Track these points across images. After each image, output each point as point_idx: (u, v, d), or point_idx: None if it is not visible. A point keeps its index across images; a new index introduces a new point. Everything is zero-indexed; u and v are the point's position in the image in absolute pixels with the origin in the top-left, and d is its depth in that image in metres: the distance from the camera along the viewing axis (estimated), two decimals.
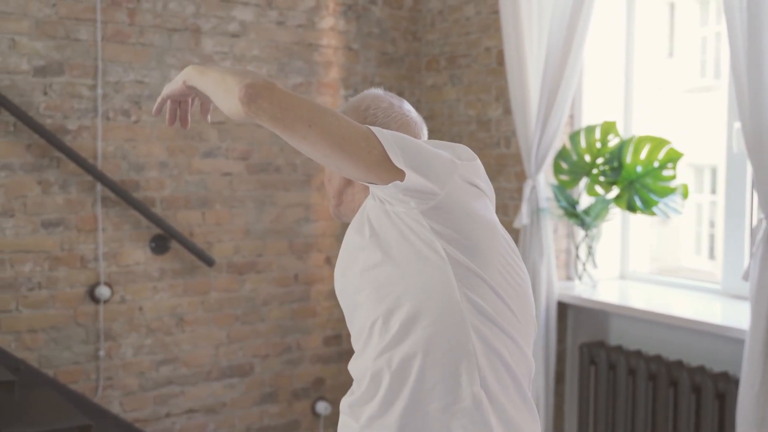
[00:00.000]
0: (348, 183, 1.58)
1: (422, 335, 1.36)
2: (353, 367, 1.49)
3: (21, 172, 3.22)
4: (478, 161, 1.44)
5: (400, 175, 1.31)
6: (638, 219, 3.71)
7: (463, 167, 1.38)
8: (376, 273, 1.41)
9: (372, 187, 1.38)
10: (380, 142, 1.32)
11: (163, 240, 3.52)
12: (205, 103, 1.55)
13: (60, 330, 3.33)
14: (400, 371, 1.38)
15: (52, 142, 3.20)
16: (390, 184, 1.32)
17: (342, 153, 1.31)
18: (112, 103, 3.39)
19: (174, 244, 3.55)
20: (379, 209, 1.41)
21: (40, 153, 3.25)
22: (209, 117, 1.58)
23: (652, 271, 5.89)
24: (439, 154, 1.36)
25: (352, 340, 1.53)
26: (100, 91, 3.35)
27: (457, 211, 1.36)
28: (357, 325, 1.49)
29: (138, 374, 3.51)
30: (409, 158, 1.31)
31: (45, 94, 3.25)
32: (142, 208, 3.40)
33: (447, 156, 1.37)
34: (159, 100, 1.55)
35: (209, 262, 3.56)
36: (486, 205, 1.43)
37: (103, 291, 3.38)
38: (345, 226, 3.26)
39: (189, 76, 1.46)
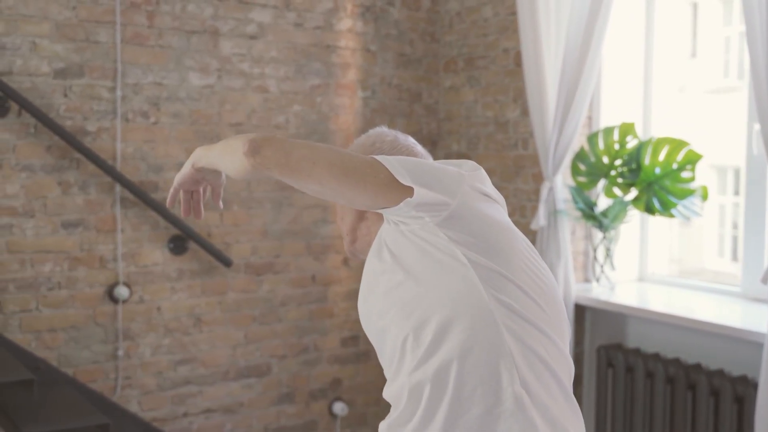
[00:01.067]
0: (360, 219, 1.60)
1: (456, 342, 1.36)
2: (388, 392, 1.49)
3: (41, 173, 3.26)
4: (483, 171, 1.47)
5: (409, 193, 1.34)
6: (658, 221, 3.68)
7: (470, 177, 1.41)
8: (400, 292, 1.41)
9: (385, 212, 1.41)
10: (384, 167, 1.35)
11: (181, 240, 3.54)
12: (216, 188, 1.60)
13: (79, 329, 3.36)
14: (437, 380, 1.37)
15: (72, 143, 3.23)
16: (401, 203, 1.35)
17: (349, 183, 1.35)
18: (131, 105, 3.42)
19: (192, 245, 3.57)
20: (395, 231, 1.43)
21: (60, 154, 3.29)
22: (221, 203, 1.64)
23: (674, 273, 5.85)
24: (445, 168, 1.40)
25: (384, 368, 1.52)
26: (119, 92, 3.38)
27: (470, 217, 1.38)
28: (388, 350, 1.48)
29: (156, 374, 3.54)
30: (414, 175, 1.35)
31: (65, 96, 3.29)
32: (160, 208, 3.42)
33: (453, 169, 1.41)
34: (172, 191, 1.58)
35: (227, 262, 3.58)
36: (498, 209, 1.46)
37: (122, 291, 3.41)
38: None
39: (197, 157, 1.51)
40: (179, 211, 3.50)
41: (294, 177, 1.37)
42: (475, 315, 1.35)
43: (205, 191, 1.61)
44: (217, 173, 1.55)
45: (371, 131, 1.66)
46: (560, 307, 1.47)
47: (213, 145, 1.48)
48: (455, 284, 1.36)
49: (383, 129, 1.66)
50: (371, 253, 1.50)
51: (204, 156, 1.49)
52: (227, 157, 1.42)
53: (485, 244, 1.37)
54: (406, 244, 1.41)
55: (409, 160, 1.38)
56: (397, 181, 1.34)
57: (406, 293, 1.41)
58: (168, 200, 1.60)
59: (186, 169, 1.54)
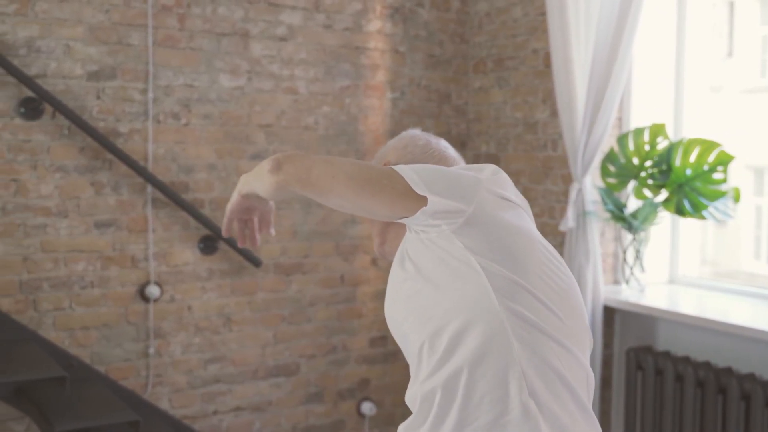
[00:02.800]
0: (388, 223, 1.62)
1: (467, 350, 1.36)
2: (407, 396, 1.51)
3: (75, 174, 3.31)
4: (503, 174, 1.48)
5: (424, 202, 1.36)
6: (691, 222, 3.64)
7: (489, 182, 1.41)
8: (420, 299, 1.43)
9: (405, 222, 1.43)
10: (402, 177, 1.38)
11: (211, 241, 3.58)
12: (265, 215, 1.65)
13: (111, 328, 3.41)
14: (448, 387, 1.38)
15: (104, 144, 3.28)
16: (418, 213, 1.37)
17: (368, 195, 1.38)
18: (163, 107, 3.47)
19: (222, 245, 3.61)
20: (416, 240, 1.45)
21: (93, 155, 3.34)
22: (272, 230, 1.68)
23: (709, 274, 5.77)
24: (461, 174, 1.41)
25: (410, 370, 1.54)
26: (151, 94, 3.43)
27: (488, 223, 1.37)
28: (409, 354, 1.50)
29: (186, 372, 3.58)
30: (429, 183, 1.37)
31: (98, 98, 3.34)
32: (191, 209, 3.47)
33: (470, 174, 1.42)
34: (225, 221, 1.63)
35: (256, 262, 3.61)
36: (520, 214, 1.44)
37: (153, 290, 3.45)
38: None
39: (241, 184, 1.55)
40: (216, 207, 3.55)
41: (315, 192, 1.41)
42: (486, 323, 1.35)
43: (260, 219, 1.65)
44: (265, 200, 1.58)
45: (404, 134, 1.67)
46: (582, 318, 1.45)
47: (252, 170, 1.52)
48: (469, 292, 1.36)
49: (416, 132, 1.67)
50: (395, 261, 1.52)
51: (245, 182, 1.53)
52: (258, 178, 1.47)
53: (501, 251, 1.37)
54: (425, 253, 1.42)
55: (426, 168, 1.40)
56: (413, 190, 1.36)
57: (425, 301, 1.42)
58: (223, 230, 1.65)
59: (234, 197, 1.58)
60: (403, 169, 1.39)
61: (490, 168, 1.46)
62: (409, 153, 1.60)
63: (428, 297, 1.41)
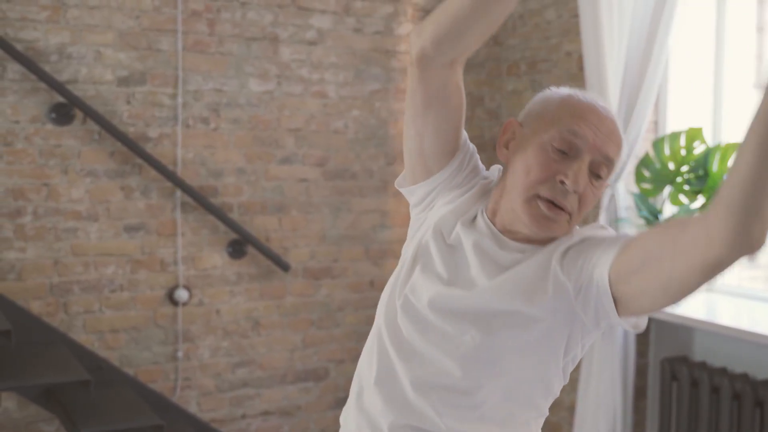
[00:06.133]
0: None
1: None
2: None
3: (105, 178, 3.35)
4: None
5: (628, 311, 1.29)
6: None
7: None
8: (515, 347, 1.32)
9: (603, 300, 1.27)
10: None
11: (239, 245, 3.58)
12: None
13: (140, 331, 3.44)
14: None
15: (134, 149, 3.31)
16: (623, 317, 1.29)
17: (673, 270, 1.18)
18: (192, 111, 3.48)
19: (250, 249, 3.61)
20: (568, 301, 1.31)
21: (122, 160, 3.37)
22: None
23: (765, 279, 5.58)
24: None
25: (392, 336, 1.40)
26: (180, 99, 3.44)
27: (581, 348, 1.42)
28: (424, 348, 1.36)
29: (215, 375, 3.59)
30: None
31: (128, 103, 3.37)
32: (219, 213, 3.47)
33: None
34: None
35: (285, 267, 3.61)
36: None
37: (182, 294, 3.47)
38: None
39: None
40: (245, 211, 3.56)
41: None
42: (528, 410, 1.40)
43: None
44: None
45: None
46: None
47: None
48: (539, 378, 1.38)
49: None
50: (528, 278, 1.32)
51: None
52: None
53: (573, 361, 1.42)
54: (557, 320, 1.31)
55: None
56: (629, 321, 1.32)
57: (517, 355, 1.33)
58: None
59: None
60: None
61: None
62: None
63: (520, 357, 1.33)
